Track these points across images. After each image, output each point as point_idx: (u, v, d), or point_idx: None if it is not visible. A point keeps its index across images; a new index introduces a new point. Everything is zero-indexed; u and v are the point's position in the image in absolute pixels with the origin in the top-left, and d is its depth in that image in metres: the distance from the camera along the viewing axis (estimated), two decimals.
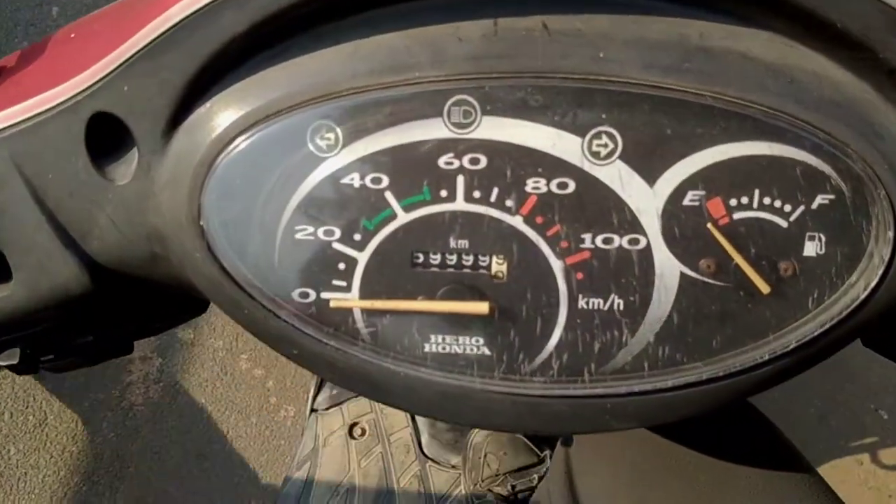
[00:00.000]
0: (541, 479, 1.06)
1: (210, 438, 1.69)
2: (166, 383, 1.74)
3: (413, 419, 1.29)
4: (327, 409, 1.36)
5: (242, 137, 0.33)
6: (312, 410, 1.40)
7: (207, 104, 0.33)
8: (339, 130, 0.33)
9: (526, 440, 1.10)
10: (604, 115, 0.32)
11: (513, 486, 1.10)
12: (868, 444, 1.65)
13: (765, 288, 0.34)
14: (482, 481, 1.15)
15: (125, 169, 0.35)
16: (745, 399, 0.36)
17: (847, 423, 1.63)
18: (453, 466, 1.25)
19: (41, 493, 1.58)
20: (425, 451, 1.25)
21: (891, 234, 0.32)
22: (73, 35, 0.39)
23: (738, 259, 0.33)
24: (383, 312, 0.36)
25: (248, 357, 1.72)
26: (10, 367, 0.39)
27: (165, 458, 1.67)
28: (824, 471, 1.58)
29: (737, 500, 0.57)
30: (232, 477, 1.65)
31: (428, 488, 1.24)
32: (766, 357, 0.35)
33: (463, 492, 1.20)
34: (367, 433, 1.32)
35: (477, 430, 1.16)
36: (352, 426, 1.33)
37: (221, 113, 0.33)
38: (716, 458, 0.60)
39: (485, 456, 1.15)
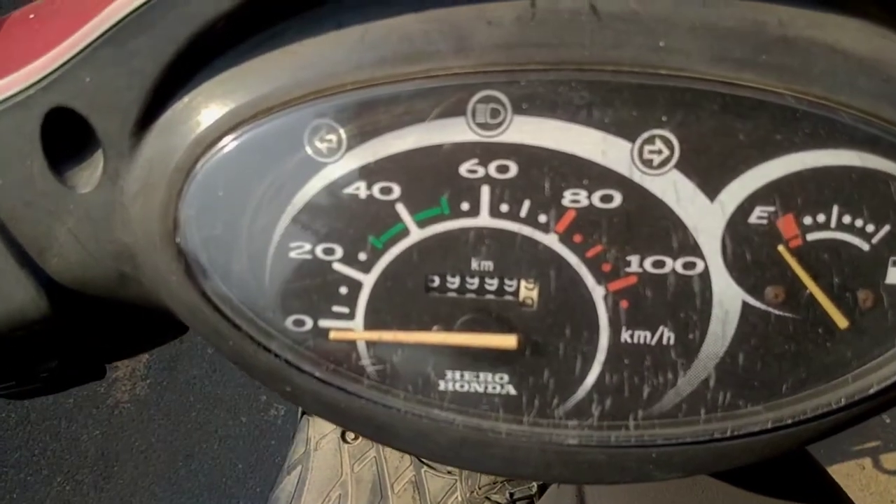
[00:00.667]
0: (540, 486, 1.03)
1: (198, 437, 1.65)
2: (154, 380, 1.70)
3: None
4: None
5: (228, 138, 0.27)
6: (304, 413, 1.36)
7: (186, 98, 0.28)
8: (341, 131, 0.28)
9: None
10: (662, 117, 0.27)
11: (511, 494, 1.06)
12: (869, 449, 1.64)
13: (842, 322, 0.29)
14: (479, 488, 1.12)
15: (89, 175, 0.29)
16: (805, 446, 0.31)
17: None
18: (449, 472, 1.21)
19: (22, 494, 1.53)
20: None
21: None
22: (32, 15, 0.33)
23: (812, 287, 0.28)
24: (392, 345, 0.30)
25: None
26: None
27: (152, 458, 1.63)
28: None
29: None
30: (220, 477, 1.60)
31: (423, 495, 1.20)
32: (843, 402, 0.30)
33: (459, 499, 1.17)
34: (360, 438, 1.28)
35: None
36: (344, 430, 1.28)
37: (203, 109, 0.27)
38: (739, 482, 0.56)
39: None
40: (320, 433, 1.31)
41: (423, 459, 1.21)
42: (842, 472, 1.60)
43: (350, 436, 1.28)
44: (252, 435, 1.65)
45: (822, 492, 0.57)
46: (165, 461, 1.62)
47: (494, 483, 1.09)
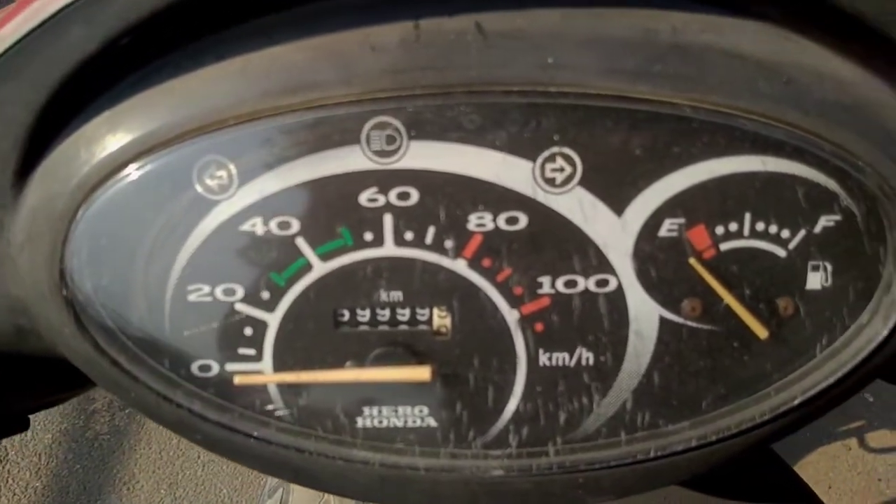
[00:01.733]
0: None
1: (181, 465, 1.63)
2: (132, 410, 1.67)
3: None
4: None
5: (111, 182, 0.26)
6: None
7: (64, 143, 0.26)
8: (231, 166, 0.26)
9: None
10: (558, 135, 0.26)
11: None
12: (855, 429, 1.64)
13: (762, 332, 0.28)
14: None
15: None
16: (739, 460, 0.30)
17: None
18: None
19: None
20: None
21: None
22: None
23: (729, 298, 0.27)
24: (303, 386, 0.29)
25: None
26: None
27: (135, 488, 1.60)
28: (813, 458, 1.56)
29: None
30: (205, 503, 1.58)
31: None
32: (767, 416, 0.29)
33: None
34: None
35: None
36: None
37: (82, 153, 0.26)
38: (717, 494, 0.55)
39: None
40: None
41: None
42: (828, 454, 1.60)
43: None
44: None
45: (789, 491, 0.57)
46: (149, 490, 1.60)
47: None
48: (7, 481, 1.58)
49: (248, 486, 1.60)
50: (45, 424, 1.61)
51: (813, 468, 1.57)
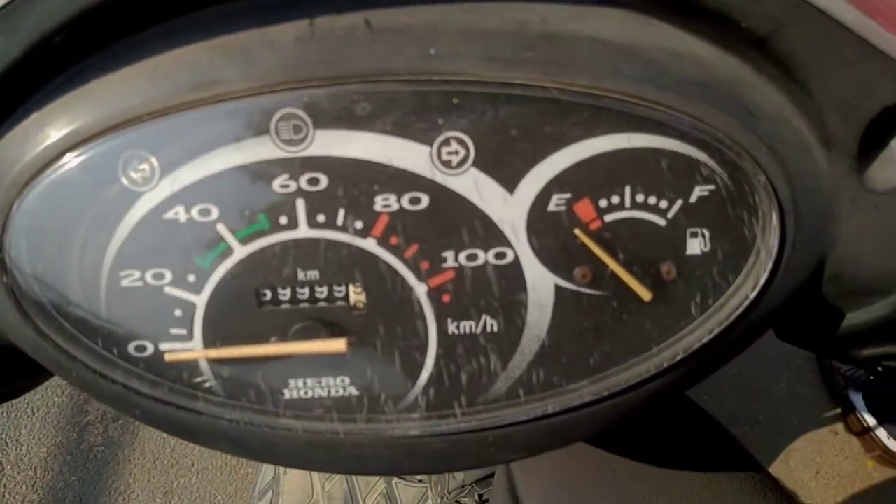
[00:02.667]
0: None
1: (175, 473, 1.64)
2: (125, 421, 1.69)
3: None
4: None
5: (40, 178, 0.29)
6: None
7: None
8: (153, 159, 0.29)
9: None
10: (448, 119, 0.28)
11: (480, 496, 1.07)
12: (841, 414, 1.65)
13: (646, 294, 0.30)
14: (448, 493, 1.12)
15: None
16: (637, 416, 0.32)
17: (816, 393, 1.63)
18: (420, 481, 1.22)
19: None
20: None
21: (776, 224, 0.29)
22: None
23: (613, 265, 0.30)
24: (230, 361, 0.32)
25: None
26: None
27: (131, 498, 1.62)
28: (800, 445, 1.58)
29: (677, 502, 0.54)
30: None
31: None
32: (653, 371, 0.31)
33: None
34: None
35: None
36: None
37: (12, 153, 0.29)
38: (657, 460, 0.57)
39: None
40: None
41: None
42: (815, 440, 1.61)
43: None
44: (228, 466, 1.65)
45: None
46: (145, 500, 1.61)
47: (463, 487, 1.10)
48: (4, 496, 1.59)
49: (242, 493, 1.62)
50: (40, 438, 1.63)
51: (801, 454, 1.59)
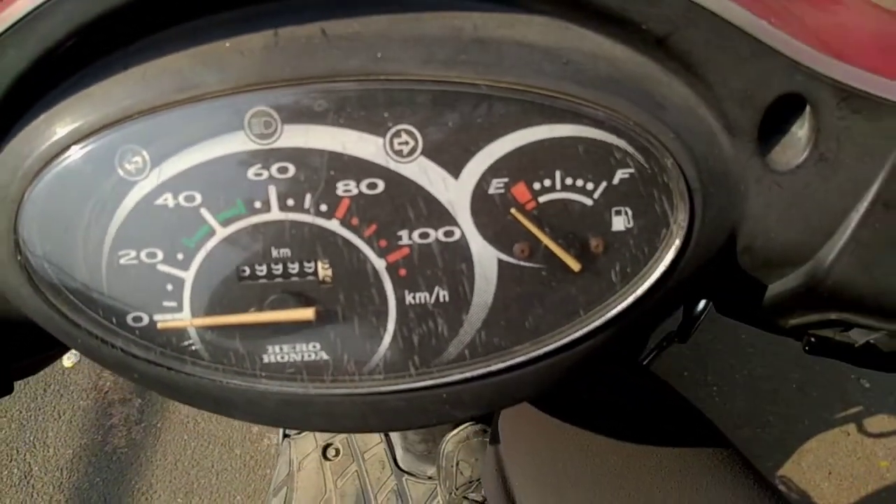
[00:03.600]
0: None
1: (196, 474, 1.69)
2: (148, 423, 1.74)
3: (387, 434, 1.29)
4: (300, 433, 1.37)
5: (47, 170, 0.33)
6: (285, 436, 1.40)
7: (13, 141, 0.34)
8: (145, 153, 0.33)
9: None
10: (397, 114, 0.32)
11: None
12: (853, 415, 1.65)
13: (575, 266, 0.34)
14: (457, 489, 1.15)
15: None
16: (574, 375, 0.36)
17: (829, 393, 1.63)
18: (429, 477, 1.25)
19: None
20: (400, 464, 1.26)
21: (685, 202, 0.33)
22: None
23: (546, 240, 0.34)
24: (215, 328, 0.36)
25: None
26: None
27: (154, 498, 1.67)
28: (813, 445, 1.58)
29: (653, 482, 0.58)
30: None
31: (406, 502, 1.24)
32: (582, 333, 0.35)
33: (440, 502, 1.21)
34: (341, 453, 1.32)
35: (448, 439, 1.16)
36: (325, 447, 1.33)
37: (24, 148, 0.33)
38: (633, 441, 0.61)
39: (457, 464, 1.16)
40: (302, 453, 1.35)
41: (402, 468, 1.25)
42: (827, 441, 1.61)
43: (331, 453, 1.32)
44: (247, 466, 1.70)
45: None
46: (166, 499, 1.66)
47: (470, 483, 1.13)
48: (32, 496, 1.65)
49: (261, 493, 1.66)
50: (66, 441, 1.68)
51: (813, 455, 1.59)
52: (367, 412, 0.37)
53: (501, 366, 0.36)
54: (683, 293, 0.35)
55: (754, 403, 1.61)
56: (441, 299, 0.36)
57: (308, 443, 1.34)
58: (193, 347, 0.36)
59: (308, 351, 0.37)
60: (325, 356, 0.37)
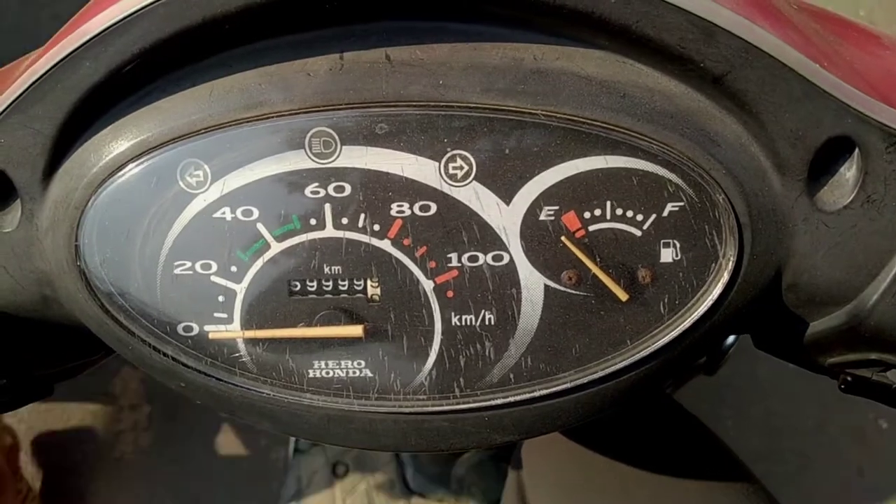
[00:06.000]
0: None
1: (202, 484, 1.69)
2: (156, 431, 1.74)
3: (397, 454, 1.29)
4: (310, 448, 1.37)
5: (112, 179, 0.34)
6: (296, 451, 1.40)
7: (79, 150, 0.35)
8: (206, 167, 0.34)
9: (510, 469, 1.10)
10: (453, 139, 0.33)
11: None
12: (869, 455, 1.63)
13: (623, 296, 0.35)
14: None
15: (11, 217, 0.36)
16: (617, 406, 0.37)
17: (845, 433, 1.62)
18: (439, 500, 1.25)
19: None
20: (410, 485, 1.25)
21: (735, 237, 0.34)
22: None
23: (595, 269, 0.35)
24: (264, 341, 0.37)
25: None
26: None
27: None
28: (826, 483, 1.56)
29: None
30: None
31: None
32: (628, 363, 0.36)
33: None
34: (351, 471, 1.32)
35: (460, 462, 1.16)
36: (335, 465, 1.33)
37: (91, 157, 0.34)
38: (660, 473, 0.61)
39: (469, 488, 1.16)
40: (311, 470, 1.35)
41: (412, 489, 1.25)
42: (842, 479, 1.60)
43: (340, 470, 1.32)
44: (254, 478, 1.69)
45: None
46: None
47: None
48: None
49: None
50: (74, 445, 1.68)
51: (826, 494, 1.57)
52: (408, 431, 0.38)
53: (545, 392, 0.36)
54: (729, 326, 0.36)
55: (770, 439, 1.59)
56: (487, 322, 0.36)
57: (317, 459, 1.34)
58: (242, 359, 0.37)
59: (353, 368, 0.37)
60: (369, 373, 0.37)
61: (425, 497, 1.24)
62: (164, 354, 0.37)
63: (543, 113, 0.32)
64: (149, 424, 1.75)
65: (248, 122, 0.33)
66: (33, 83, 0.33)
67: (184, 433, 1.74)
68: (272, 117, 0.33)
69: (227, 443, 1.73)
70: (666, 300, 0.35)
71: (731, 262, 0.34)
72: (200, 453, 1.72)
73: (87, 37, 0.31)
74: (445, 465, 1.20)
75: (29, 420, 1.68)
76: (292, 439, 1.39)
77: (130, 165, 0.34)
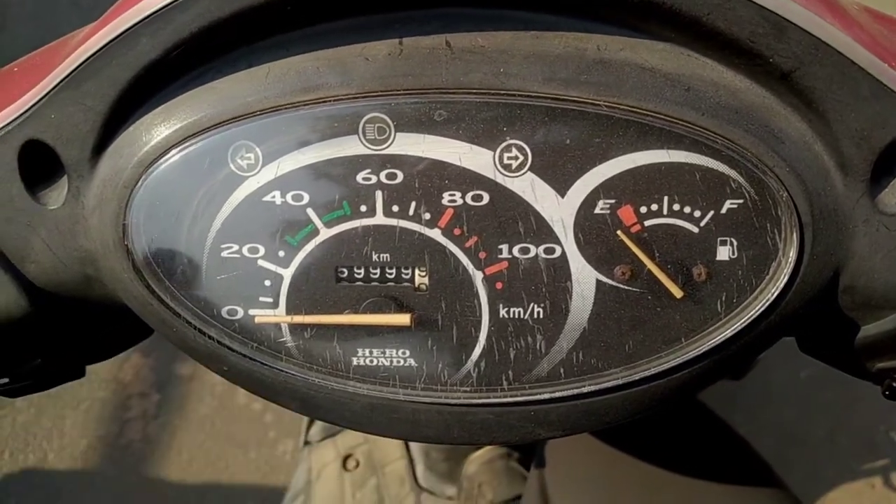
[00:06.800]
0: None
1: (209, 475, 1.69)
2: (165, 420, 1.75)
3: (408, 450, 1.29)
4: (320, 440, 1.36)
5: (163, 159, 0.34)
6: (306, 443, 1.40)
7: (130, 128, 0.34)
8: (258, 150, 0.34)
9: (521, 469, 1.09)
10: (511, 129, 0.33)
11: None
12: (879, 467, 1.63)
13: (678, 293, 0.34)
14: None
15: (57, 194, 0.36)
16: (666, 405, 0.36)
17: (857, 444, 1.61)
18: (449, 498, 1.24)
19: None
20: (420, 481, 1.25)
21: (796, 236, 0.33)
22: (15, 69, 0.40)
23: (650, 265, 0.34)
24: (309, 327, 0.36)
25: (246, 392, 1.72)
26: None
27: (166, 495, 1.67)
28: (837, 495, 1.56)
29: None
30: None
31: None
32: (680, 361, 0.35)
33: None
34: (361, 465, 1.32)
35: (471, 460, 1.15)
36: (345, 458, 1.32)
37: (143, 136, 0.34)
38: (687, 476, 0.60)
39: (480, 486, 1.15)
40: (321, 463, 1.35)
41: (422, 486, 1.24)
42: (852, 491, 1.59)
43: (351, 464, 1.32)
44: (261, 471, 1.69)
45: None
46: (178, 499, 1.66)
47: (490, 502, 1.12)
48: (45, 483, 1.66)
49: (274, 498, 1.66)
50: (83, 430, 1.69)
51: None
52: (451, 423, 0.37)
53: (594, 388, 0.36)
54: (784, 327, 0.35)
55: (781, 447, 1.58)
56: (536, 315, 0.36)
57: (328, 452, 1.34)
58: (287, 345, 0.37)
59: (399, 357, 0.37)
60: (414, 363, 0.37)
61: (435, 494, 1.24)
62: (209, 337, 0.36)
63: (606, 104, 0.32)
64: (158, 413, 1.75)
65: (303, 105, 0.33)
66: (87, 59, 0.33)
67: (192, 424, 1.74)
68: (328, 101, 0.33)
69: (235, 435, 1.73)
70: (723, 298, 0.35)
71: (791, 262, 0.33)
72: (209, 444, 1.73)
73: (146, 13, 0.31)
74: (456, 462, 1.19)
75: (38, 404, 1.68)
76: (302, 432, 1.39)
77: (182, 146, 0.34)
